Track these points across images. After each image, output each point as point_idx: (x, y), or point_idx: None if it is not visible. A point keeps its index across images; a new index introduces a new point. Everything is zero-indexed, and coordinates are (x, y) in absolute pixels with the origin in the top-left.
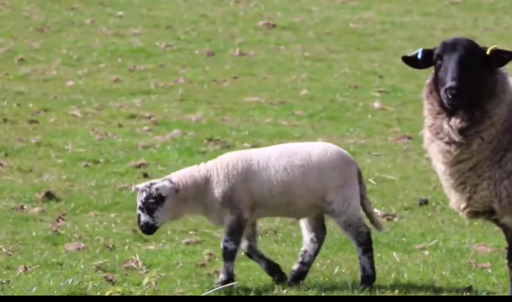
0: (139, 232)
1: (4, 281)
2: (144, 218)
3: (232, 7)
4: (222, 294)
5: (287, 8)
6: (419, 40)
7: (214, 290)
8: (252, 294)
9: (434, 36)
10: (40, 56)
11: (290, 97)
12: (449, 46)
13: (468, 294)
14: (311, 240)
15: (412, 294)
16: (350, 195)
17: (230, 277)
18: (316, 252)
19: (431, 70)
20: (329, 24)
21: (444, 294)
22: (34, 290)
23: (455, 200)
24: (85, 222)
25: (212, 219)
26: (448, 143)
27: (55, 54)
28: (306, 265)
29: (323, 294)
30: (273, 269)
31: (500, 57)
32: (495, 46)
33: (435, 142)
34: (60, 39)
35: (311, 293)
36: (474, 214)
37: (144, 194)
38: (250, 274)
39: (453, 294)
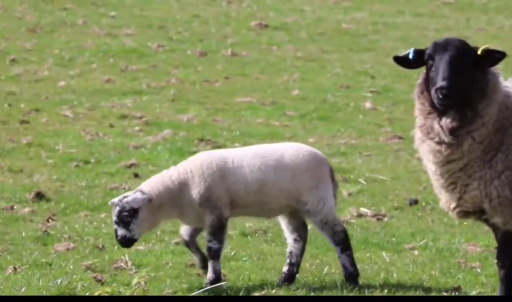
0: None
1: None
2: (120, 231)
3: (225, 8)
4: (212, 294)
5: (279, 8)
6: (412, 41)
7: (203, 290)
8: (241, 294)
9: (427, 37)
10: (32, 56)
11: (282, 98)
12: (440, 46)
13: (457, 294)
14: (295, 240)
15: (401, 294)
16: (324, 194)
17: (217, 276)
18: (302, 251)
19: (422, 70)
20: (321, 25)
21: (433, 294)
22: (23, 290)
23: (445, 200)
24: (75, 222)
25: (187, 221)
26: (438, 143)
27: (47, 54)
28: (294, 266)
29: (312, 294)
30: (206, 263)
31: (492, 57)
32: (486, 46)
33: (426, 142)
34: (52, 39)
35: (300, 293)
36: (464, 214)
37: (118, 208)
38: (240, 274)
39: (442, 294)
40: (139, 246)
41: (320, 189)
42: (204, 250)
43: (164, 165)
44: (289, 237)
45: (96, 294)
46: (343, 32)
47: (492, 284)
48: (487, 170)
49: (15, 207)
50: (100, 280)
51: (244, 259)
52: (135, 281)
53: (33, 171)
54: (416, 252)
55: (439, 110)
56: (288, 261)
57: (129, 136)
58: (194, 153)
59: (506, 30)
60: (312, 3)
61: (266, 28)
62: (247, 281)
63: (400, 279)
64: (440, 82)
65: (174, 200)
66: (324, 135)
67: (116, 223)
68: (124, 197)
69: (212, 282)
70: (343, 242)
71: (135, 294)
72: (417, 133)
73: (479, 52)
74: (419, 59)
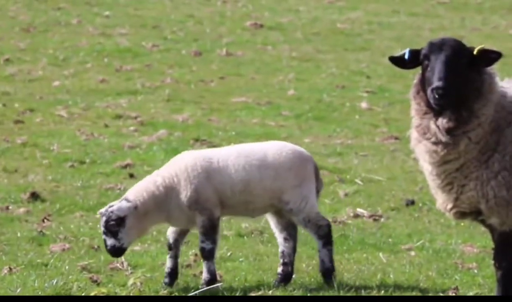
0: None
1: None
2: (109, 241)
3: (220, 7)
4: (208, 295)
5: (274, 8)
6: (406, 40)
7: (199, 291)
8: (238, 294)
9: (422, 36)
10: (26, 56)
11: (277, 98)
12: (436, 46)
13: (454, 294)
14: (285, 239)
15: (398, 294)
16: (307, 193)
17: (213, 276)
18: (294, 249)
19: (418, 70)
20: (316, 24)
21: (430, 294)
22: (18, 290)
23: (441, 201)
24: (70, 222)
25: (176, 223)
26: (435, 143)
27: (41, 54)
28: (288, 265)
29: (309, 295)
30: (173, 274)
31: (487, 57)
32: (482, 46)
33: (422, 143)
34: (46, 39)
35: (297, 293)
36: (461, 215)
37: (104, 218)
38: (236, 275)
39: (439, 294)
40: (135, 247)
41: (303, 188)
42: (180, 260)
43: (159, 165)
44: (279, 236)
45: (92, 294)
46: (338, 32)
47: (489, 285)
48: (483, 170)
49: (10, 207)
50: (96, 281)
51: (240, 259)
52: (131, 281)
53: (28, 171)
54: (412, 253)
55: (435, 110)
56: (281, 261)
57: (124, 137)
58: None
59: (501, 29)
60: (307, 3)
61: (261, 28)
62: (243, 281)
63: (397, 280)
64: (436, 83)
65: (160, 205)
66: (319, 135)
67: (105, 233)
68: (110, 207)
69: (208, 282)
70: (326, 236)
71: (131, 295)
72: (413, 134)
73: (475, 52)
74: (414, 60)
